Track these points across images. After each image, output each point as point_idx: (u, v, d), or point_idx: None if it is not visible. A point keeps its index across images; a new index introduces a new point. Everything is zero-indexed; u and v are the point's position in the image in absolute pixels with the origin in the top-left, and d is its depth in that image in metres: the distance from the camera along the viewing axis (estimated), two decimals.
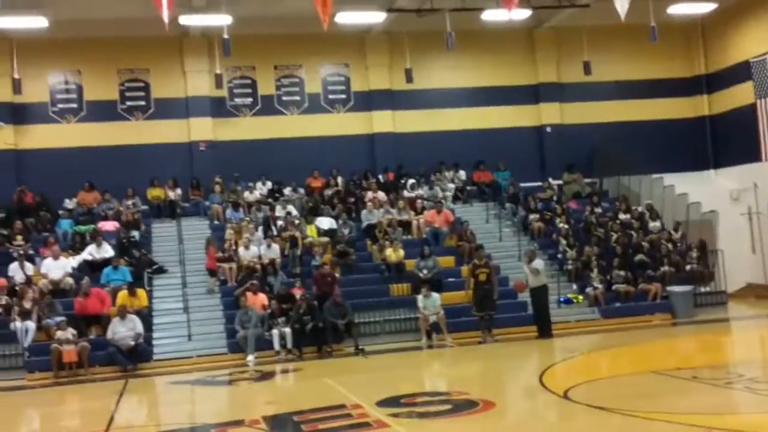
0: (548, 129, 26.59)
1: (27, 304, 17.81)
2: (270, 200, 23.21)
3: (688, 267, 21.49)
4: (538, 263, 18.32)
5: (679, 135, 26.63)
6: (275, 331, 17.69)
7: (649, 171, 24.77)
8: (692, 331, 18.68)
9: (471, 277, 18.32)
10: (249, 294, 18.28)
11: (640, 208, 24.17)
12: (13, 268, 19.22)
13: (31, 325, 17.47)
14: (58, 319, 17.49)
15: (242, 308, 17.98)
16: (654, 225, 23.19)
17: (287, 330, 17.70)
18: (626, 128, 26.21)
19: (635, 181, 25.28)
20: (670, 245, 21.96)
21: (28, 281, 18.77)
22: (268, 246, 20.21)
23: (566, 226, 22.39)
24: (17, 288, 18.42)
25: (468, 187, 24.99)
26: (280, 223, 21.70)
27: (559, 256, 21.59)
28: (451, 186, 24.66)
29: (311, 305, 18.10)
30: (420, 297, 18.50)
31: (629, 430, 8.57)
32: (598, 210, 23.58)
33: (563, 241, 21.77)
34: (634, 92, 26.86)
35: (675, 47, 27.05)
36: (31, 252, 20.22)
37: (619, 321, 19.37)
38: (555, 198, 24.25)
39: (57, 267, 19.22)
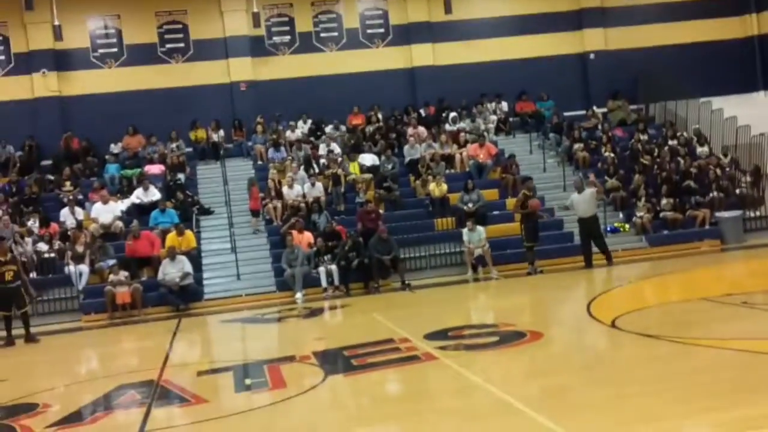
0: (591, 56, 26.06)
1: (79, 248, 18.23)
2: (312, 139, 23.23)
3: (737, 192, 21.12)
4: (592, 190, 18.13)
5: (727, 56, 25.92)
6: (322, 269, 17.88)
7: (697, 95, 24.18)
8: (742, 257, 18.45)
9: (520, 208, 18.23)
10: (294, 232, 18.45)
11: (687, 134, 23.71)
12: (64, 214, 19.65)
13: (84, 268, 17.92)
14: (111, 262, 17.91)
15: (288, 247, 18.17)
16: (702, 150, 22.78)
17: (333, 267, 17.88)
18: (672, 52, 25.57)
19: (682, 105, 24.72)
20: (718, 170, 21.57)
21: (79, 226, 19.17)
22: (312, 184, 20.30)
23: (612, 155, 22.07)
24: (69, 233, 18.85)
25: (510, 119, 24.73)
26: (322, 161, 21.74)
27: (606, 185, 21.32)
28: (494, 118, 24.40)
29: (357, 242, 18.23)
30: (465, 231, 18.50)
31: (679, 357, 8.54)
32: (644, 137, 23.18)
33: (609, 170, 21.47)
34: (680, 13, 26.13)
35: None
36: (80, 197, 20.63)
37: (667, 249, 19.19)
38: (600, 126, 23.87)
39: (106, 211, 19.58)
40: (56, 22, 22.16)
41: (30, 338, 14.74)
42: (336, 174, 20.74)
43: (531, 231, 17.93)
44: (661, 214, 20.13)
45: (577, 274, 17.36)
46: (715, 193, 20.79)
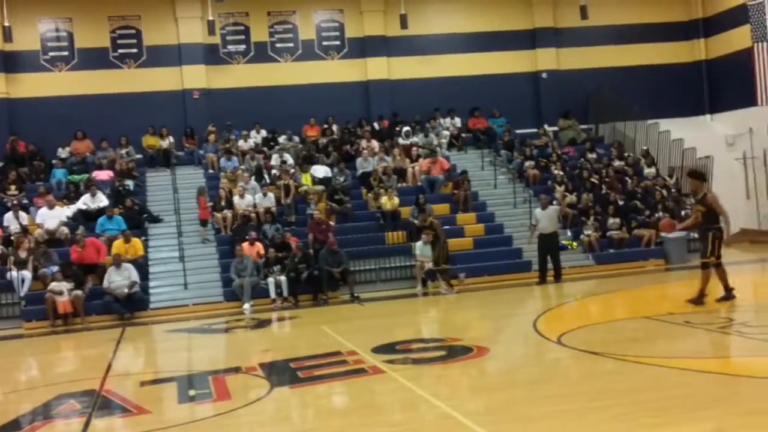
0: (544, 75, 26.40)
1: (23, 254, 17.85)
2: (265, 149, 23.13)
3: (682, 213, 21.51)
4: (556, 208, 18.87)
5: (676, 80, 26.51)
6: (271, 279, 17.77)
7: (645, 116, 24.67)
8: (685, 277, 18.71)
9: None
10: (245, 243, 18.31)
11: (634, 155, 24.14)
12: (8, 218, 19.23)
13: (27, 274, 17.54)
14: (54, 268, 17.56)
15: (237, 257, 18.02)
16: (649, 171, 23.19)
17: (283, 278, 17.78)
18: (622, 73, 26.07)
19: (630, 126, 25.19)
20: (664, 191, 21.97)
21: (24, 231, 18.77)
22: (264, 195, 20.19)
23: (561, 173, 22.36)
24: (12, 238, 18.46)
25: (463, 135, 24.90)
26: (274, 171, 21.64)
27: (554, 202, 21.58)
28: (446, 133, 24.55)
29: (306, 253, 18.17)
30: (418, 244, 18.54)
31: (622, 374, 8.66)
32: (593, 156, 23.55)
33: (559, 188, 21.73)
34: (631, 37, 26.64)
35: None
36: (25, 201, 20.21)
37: (612, 267, 19.48)
38: (550, 145, 24.18)
39: (52, 216, 19.21)
40: (6, 23, 21.80)
41: None
42: (287, 185, 20.66)
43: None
44: (608, 233, 20.42)
45: (526, 291, 17.51)
46: (661, 214, 21.15)
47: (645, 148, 24.16)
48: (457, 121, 25.16)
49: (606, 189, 21.76)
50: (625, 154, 23.91)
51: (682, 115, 25.56)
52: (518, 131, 24.90)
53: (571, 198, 21.34)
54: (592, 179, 22.15)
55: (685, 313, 11.92)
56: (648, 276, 18.80)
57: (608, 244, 20.40)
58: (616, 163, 23.29)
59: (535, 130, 25.30)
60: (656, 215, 21.07)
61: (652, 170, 23.25)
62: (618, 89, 24.99)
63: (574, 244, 20.40)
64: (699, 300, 12.45)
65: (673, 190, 22.51)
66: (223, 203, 20.12)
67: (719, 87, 26.46)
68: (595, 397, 7.69)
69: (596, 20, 25.22)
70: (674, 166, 23.39)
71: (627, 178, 22.62)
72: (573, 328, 11.82)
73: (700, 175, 13.01)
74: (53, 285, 16.88)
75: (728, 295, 12.52)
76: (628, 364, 9.00)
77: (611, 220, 20.57)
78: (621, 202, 21.20)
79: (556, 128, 25.53)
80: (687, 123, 25.25)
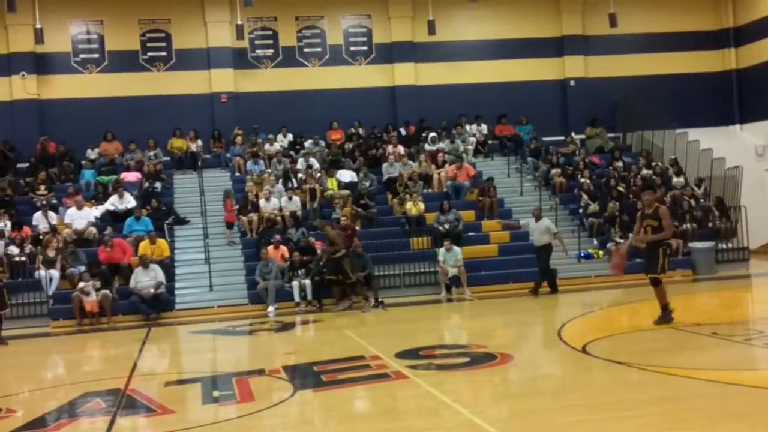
0: (572, 82, 26.30)
1: (51, 253, 18.05)
2: (291, 153, 23.21)
3: (710, 223, 21.33)
4: (548, 222, 18.34)
5: (705, 89, 26.30)
6: (295, 283, 17.82)
7: (674, 126, 24.47)
8: (712, 287, 18.61)
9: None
10: (270, 246, 18.39)
11: (662, 164, 23.95)
12: (37, 218, 19.47)
13: (55, 273, 17.73)
14: (82, 268, 17.73)
15: (263, 260, 18.10)
16: (677, 180, 23.00)
17: (307, 282, 17.82)
18: (651, 82, 25.89)
19: (659, 135, 24.99)
20: (692, 201, 21.78)
21: (52, 231, 18.97)
22: (289, 198, 20.26)
23: (588, 181, 22.23)
24: (41, 237, 18.66)
25: (489, 141, 24.84)
26: (300, 175, 21.72)
27: (580, 211, 21.50)
28: (473, 140, 24.51)
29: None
30: (441, 250, 18.52)
31: (648, 385, 8.59)
32: (620, 165, 23.39)
33: (585, 196, 21.62)
34: (660, 45, 26.46)
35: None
36: (54, 202, 20.43)
37: (639, 277, 19.21)
38: (577, 152, 24.06)
39: (80, 217, 19.42)
40: (38, 25, 22.03)
41: (0, 340, 14.61)
42: (313, 189, 20.71)
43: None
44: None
45: (551, 299, 17.42)
46: (689, 224, 20.98)
47: (673, 157, 23.96)
48: (484, 127, 25.10)
49: (633, 198, 21.59)
50: (653, 164, 23.72)
51: (711, 124, 25.36)
52: (545, 139, 24.80)
53: (594, 207, 21.19)
54: (619, 188, 21.99)
55: (713, 324, 11.80)
56: (675, 286, 18.59)
57: (635, 254, 20.19)
58: (644, 172, 23.11)
59: (562, 137, 25.18)
60: (684, 226, 20.92)
61: (681, 180, 23.06)
62: (646, 98, 24.82)
63: (600, 252, 20.27)
64: (667, 316, 11.99)
65: (701, 200, 22.30)
66: (249, 206, 20.22)
67: (749, 96, 26.21)
68: (620, 407, 7.63)
69: (625, 28, 25.09)
70: (702, 176, 23.19)
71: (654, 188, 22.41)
72: (598, 337, 11.74)
73: (653, 188, 12.76)
74: (82, 284, 17.04)
75: (666, 315, 12.01)
76: (654, 375, 8.93)
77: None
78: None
79: (583, 136, 25.39)
80: (716, 132, 25.03)
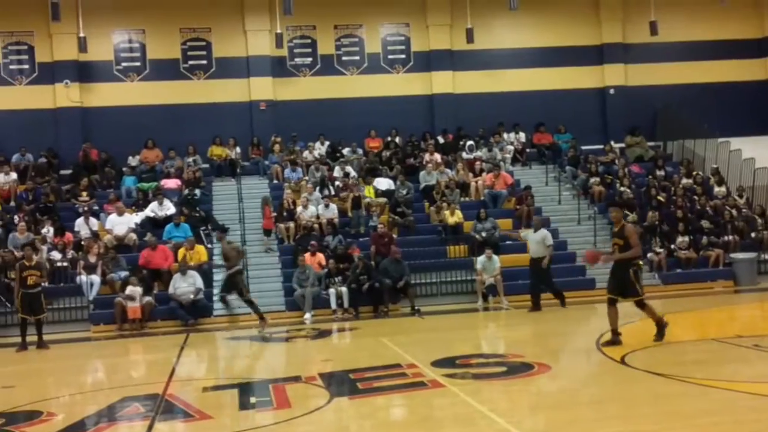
0: (611, 91, 26.10)
1: (92, 259, 18.31)
2: (328, 160, 23.31)
3: (753, 234, 20.99)
4: (546, 233, 17.47)
5: (747, 98, 25.92)
6: (332, 290, 17.87)
7: (715, 134, 24.16)
8: (755, 299, 18.30)
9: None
10: (306, 253, 18.46)
11: (704, 173, 23.64)
12: (79, 224, 19.77)
13: (96, 279, 17.98)
14: (123, 273, 17.95)
15: (300, 267, 18.17)
16: (719, 190, 22.68)
17: (344, 289, 17.85)
18: (692, 90, 25.59)
19: (700, 144, 24.67)
20: (734, 211, 21.46)
21: (94, 236, 19.24)
22: (326, 206, 20.34)
23: (628, 190, 22.00)
24: (83, 243, 18.93)
25: (527, 150, 24.72)
26: (337, 183, 21.79)
27: (626, 218, 21.24)
28: (510, 148, 24.40)
29: (368, 265, 18.21)
30: (481, 258, 18.44)
31: (689, 397, 8.44)
32: (660, 174, 23.12)
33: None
34: (702, 53, 26.16)
35: (744, 7, 26.30)
36: (95, 208, 20.73)
37: (679, 287, 19.07)
38: (617, 161, 23.83)
39: (121, 223, 19.68)
40: (81, 34, 22.42)
41: (41, 344, 14.87)
42: (357, 197, 20.73)
43: None
44: (675, 253, 20.01)
45: (589, 309, 17.24)
46: (731, 235, 20.67)
47: (715, 166, 23.64)
48: (522, 136, 24.99)
49: (674, 207, 21.34)
50: (694, 173, 23.43)
51: (753, 133, 24.89)
52: (584, 147, 24.61)
53: (633, 216, 20.94)
54: (660, 197, 21.74)
55: (755, 336, 11.59)
56: (716, 297, 18.35)
57: (676, 264, 19.98)
58: (685, 182, 22.83)
59: (601, 146, 24.96)
60: (725, 238, 20.62)
61: (723, 189, 22.74)
62: (687, 106, 24.54)
63: (640, 262, 19.96)
64: (662, 331, 11.61)
65: (743, 210, 21.95)
66: (284, 213, 20.30)
67: None
68: (661, 419, 7.51)
69: (666, 36, 24.83)
70: (743, 185, 22.85)
71: (695, 197, 22.15)
72: (637, 348, 11.58)
73: (622, 206, 12.26)
74: (129, 290, 17.23)
75: (615, 338, 11.54)
76: (695, 387, 8.78)
77: (679, 239, 20.15)
78: (690, 220, 20.74)
79: (622, 145, 25.16)
80: (759, 141, 24.55)
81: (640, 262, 11.80)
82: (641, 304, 11.61)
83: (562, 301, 17.07)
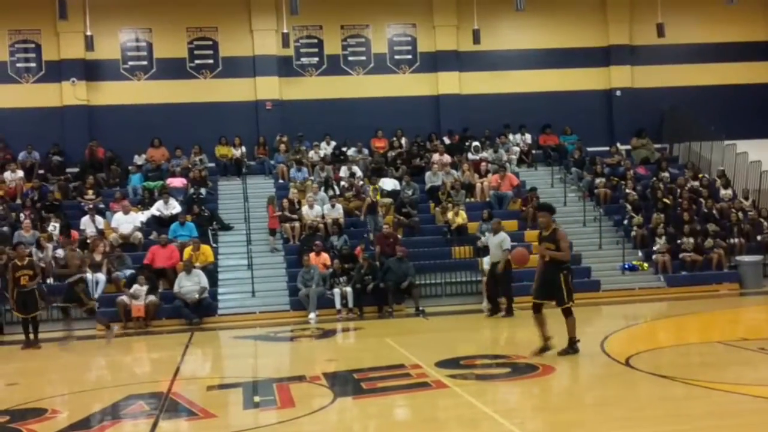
0: (618, 93, 26.06)
1: (97, 257, 18.33)
2: (333, 160, 23.28)
3: (758, 237, 20.95)
4: (504, 236, 16.94)
5: (754, 100, 25.84)
6: (337, 290, 17.87)
7: (722, 137, 24.11)
8: (760, 302, 18.26)
9: None
10: (311, 253, 18.47)
11: (710, 176, 23.59)
12: (85, 222, 19.80)
13: (101, 277, 18.01)
14: (128, 272, 17.97)
15: (305, 267, 18.18)
16: (725, 193, 22.63)
17: (348, 289, 17.86)
18: (699, 93, 25.55)
19: (706, 147, 24.62)
20: (740, 214, 21.41)
21: (99, 235, 19.27)
22: (332, 206, 20.34)
23: (633, 192, 21.97)
24: (88, 241, 18.95)
25: (533, 151, 24.69)
26: (343, 183, 21.80)
27: (625, 222, 21.25)
28: (516, 149, 24.38)
29: (373, 265, 18.22)
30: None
31: (693, 400, 8.44)
32: (666, 176, 23.08)
33: (629, 207, 21.39)
34: (709, 56, 26.11)
35: (752, 9, 26.18)
36: (101, 206, 20.75)
37: (684, 289, 19.04)
38: (623, 163, 23.79)
39: (126, 221, 19.72)
40: (88, 33, 22.45)
41: (34, 343, 14.80)
42: (373, 203, 20.60)
43: None
44: (681, 255, 19.98)
45: (593, 311, 17.22)
46: (737, 238, 20.62)
47: (721, 168, 23.59)
48: (528, 137, 24.97)
49: (679, 210, 21.30)
50: (700, 175, 23.39)
51: (760, 136, 24.80)
52: (590, 149, 24.59)
53: (638, 219, 20.92)
54: (665, 199, 21.71)
55: (761, 339, 11.56)
56: (721, 300, 18.32)
57: (681, 266, 19.95)
58: (691, 184, 22.79)
59: (607, 148, 24.93)
60: (731, 240, 20.58)
61: (729, 192, 22.69)
62: (694, 108, 24.50)
63: (645, 265, 20.02)
64: (573, 348, 11.01)
65: (749, 213, 21.90)
66: (286, 212, 20.23)
67: None
68: (665, 421, 7.50)
69: (673, 38, 24.77)
70: (748, 188, 22.80)
71: (701, 200, 22.11)
72: (642, 350, 11.57)
73: (550, 209, 11.56)
74: (135, 288, 17.25)
75: (546, 346, 11.02)
76: (700, 389, 8.77)
77: (685, 240, 20.10)
78: (695, 223, 20.70)
79: (628, 147, 25.12)
80: (765, 145, 24.48)
81: (571, 267, 11.20)
82: (568, 312, 10.99)
83: (508, 310, 16.44)
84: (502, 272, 16.56)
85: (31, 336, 14.99)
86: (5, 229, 19.29)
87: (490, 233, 17.56)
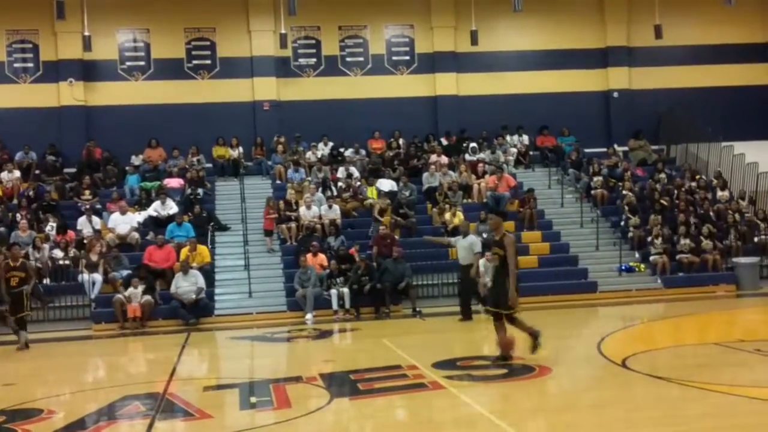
0: (615, 94, 26.09)
1: (94, 257, 18.33)
2: (331, 161, 23.28)
3: (755, 238, 20.97)
4: (474, 239, 16.61)
5: (751, 102, 25.85)
6: (334, 291, 17.87)
7: (719, 139, 24.13)
8: (757, 303, 18.27)
9: None
10: (308, 254, 18.47)
11: (707, 177, 23.61)
12: (82, 222, 19.79)
13: (98, 277, 18.00)
14: (124, 272, 17.96)
15: (301, 267, 18.17)
16: (722, 194, 22.65)
17: (345, 290, 17.86)
18: (696, 94, 25.58)
19: (704, 148, 24.65)
20: (737, 215, 21.44)
21: (96, 235, 19.25)
22: (329, 207, 20.34)
23: (630, 194, 21.98)
24: (85, 241, 18.94)
25: (531, 152, 24.70)
26: (340, 184, 21.80)
27: (622, 223, 21.27)
28: (514, 150, 24.39)
29: (370, 266, 18.22)
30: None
31: (689, 401, 8.44)
32: (663, 177, 23.10)
33: (626, 208, 21.41)
34: (706, 57, 26.15)
35: (749, 11, 26.23)
36: (98, 206, 20.74)
37: (681, 291, 19.06)
38: (620, 165, 23.81)
39: (123, 222, 19.71)
40: (86, 33, 22.40)
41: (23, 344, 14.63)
42: (383, 206, 20.56)
43: None
44: (678, 256, 19.99)
45: (590, 312, 17.26)
46: (733, 239, 20.64)
47: (718, 170, 23.61)
48: (525, 138, 24.98)
49: (676, 211, 21.32)
50: (697, 177, 23.41)
51: (757, 137, 24.84)
52: (587, 150, 24.58)
53: (635, 220, 20.94)
54: (662, 201, 21.73)
55: (757, 341, 11.57)
56: (718, 301, 18.33)
57: (678, 268, 19.96)
58: (688, 185, 22.81)
59: (604, 149, 24.94)
60: (728, 242, 20.59)
61: (726, 194, 22.71)
62: (691, 110, 24.52)
63: (642, 266, 20.02)
64: (536, 340, 10.82)
65: (746, 215, 21.93)
66: (281, 213, 20.18)
67: None
68: (662, 422, 7.50)
69: (671, 40, 24.79)
70: (745, 190, 22.84)
71: (698, 201, 22.12)
72: (638, 351, 11.57)
73: (500, 213, 11.31)
74: (129, 291, 17.23)
75: (535, 340, 10.86)
76: (697, 391, 8.78)
77: (682, 241, 20.12)
78: (692, 225, 20.72)
79: (626, 148, 25.13)
80: (762, 146, 24.47)
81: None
82: (510, 319, 10.76)
83: (468, 314, 16.14)
84: (474, 276, 16.25)
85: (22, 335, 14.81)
86: (2, 229, 19.27)
87: (459, 236, 17.05)
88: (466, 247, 16.40)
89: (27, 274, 14.93)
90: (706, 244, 20.23)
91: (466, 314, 16.24)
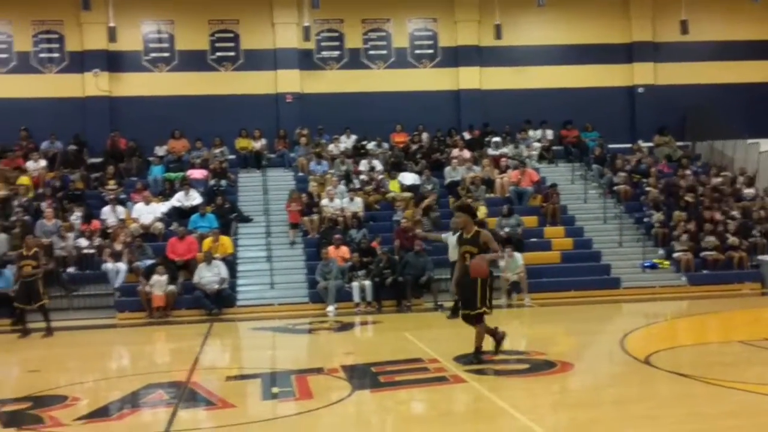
0: (640, 89, 25.91)
1: (118, 247, 18.46)
2: (354, 153, 23.28)
3: None
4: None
5: None
6: (355, 284, 17.89)
7: (744, 135, 23.90)
8: None
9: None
10: (331, 246, 18.50)
11: (732, 174, 23.39)
12: (106, 212, 19.92)
13: (122, 266, 18.12)
14: (148, 261, 18.07)
15: (323, 260, 18.21)
16: (748, 191, 22.43)
17: (367, 283, 17.88)
18: (722, 91, 25.35)
19: (729, 145, 24.43)
20: (762, 212, 21.22)
21: (120, 224, 19.39)
22: (351, 199, 20.35)
23: (655, 190, 21.82)
24: (109, 231, 19.08)
25: (554, 147, 24.58)
26: (362, 177, 21.80)
27: (646, 219, 21.12)
28: (537, 145, 24.28)
29: (392, 259, 18.22)
30: (507, 251, 18.28)
31: (713, 399, 8.38)
32: (688, 174, 22.91)
33: (650, 204, 21.26)
34: (733, 53, 25.89)
35: None
36: (123, 196, 20.87)
37: (706, 288, 18.90)
38: (644, 161, 23.63)
39: (147, 212, 19.83)
40: (111, 24, 22.55)
41: (48, 331, 14.81)
42: (429, 208, 20.45)
43: None
44: (702, 253, 19.83)
45: (613, 308, 17.17)
46: (759, 236, 20.44)
47: (743, 167, 23.38)
48: (549, 133, 24.87)
49: (701, 208, 21.14)
50: (723, 173, 23.19)
51: None
52: (611, 146, 24.46)
53: (659, 216, 20.79)
54: (687, 197, 21.56)
55: None
56: (743, 299, 18.18)
57: (702, 265, 19.81)
58: (713, 182, 22.61)
59: (629, 145, 24.79)
60: (754, 239, 20.39)
61: (751, 191, 22.49)
62: (717, 106, 24.31)
63: (666, 262, 19.88)
64: (478, 358, 10.33)
65: None
66: (305, 206, 20.23)
67: None
68: (685, 420, 7.45)
69: (697, 35, 24.59)
70: None
71: (724, 198, 21.92)
72: (662, 348, 11.50)
73: (468, 210, 10.94)
74: (154, 279, 17.35)
75: (477, 357, 10.38)
76: (720, 389, 8.70)
77: (707, 238, 19.95)
78: (718, 222, 20.55)
79: (651, 144, 24.96)
80: None
81: (492, 270, 10.57)
82: (479, 319, 10.37)
83: (453, 314, 15.23)
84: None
85: (44, 324, 14.91)
86: (27, 218, 19.45)
87: (450, 233, 16.70)
88: (456, 243, 16.02)
89: (38, 263, 15.02)
90: (732, 241, 20.05)
91: (456, 312, 15.58)
